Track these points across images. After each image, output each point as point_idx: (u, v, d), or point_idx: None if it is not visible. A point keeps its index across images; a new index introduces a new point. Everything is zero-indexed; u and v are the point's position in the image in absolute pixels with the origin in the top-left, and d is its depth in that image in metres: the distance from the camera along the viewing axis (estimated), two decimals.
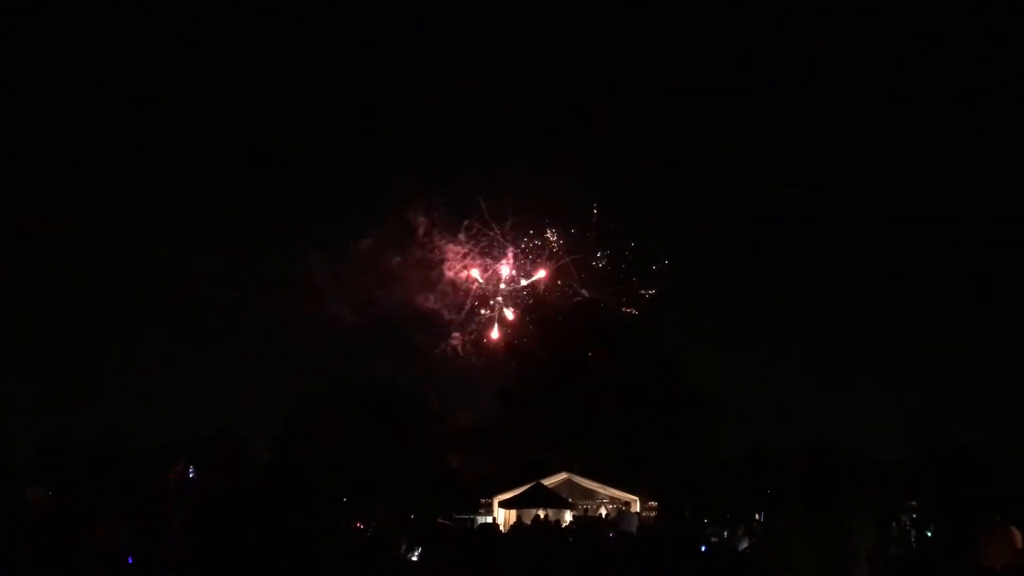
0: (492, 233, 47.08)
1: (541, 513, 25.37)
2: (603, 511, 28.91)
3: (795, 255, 67.62)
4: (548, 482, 29.87)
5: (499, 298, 48.38)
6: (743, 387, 67.58)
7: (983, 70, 63.46)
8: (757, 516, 25.81)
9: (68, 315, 57.80)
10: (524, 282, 48.83)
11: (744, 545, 14.52)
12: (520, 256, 48.70)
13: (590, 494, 31.93)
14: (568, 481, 31.98)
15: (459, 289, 48.29)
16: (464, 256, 47.29)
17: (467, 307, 47.78)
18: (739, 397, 66.37)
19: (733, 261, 71.19)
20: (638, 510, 28.61)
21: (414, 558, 8.17)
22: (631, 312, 48.38)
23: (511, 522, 26.97)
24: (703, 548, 12.62)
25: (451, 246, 47.68)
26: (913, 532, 19.65)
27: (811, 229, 68.75)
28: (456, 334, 47.17)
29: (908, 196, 67.02)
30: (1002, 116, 60.70)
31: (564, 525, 22.96)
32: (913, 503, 34.79)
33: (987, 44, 62.39)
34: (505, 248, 47.91)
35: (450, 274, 47.42)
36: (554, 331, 45.88)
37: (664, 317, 48.90)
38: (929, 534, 19.43)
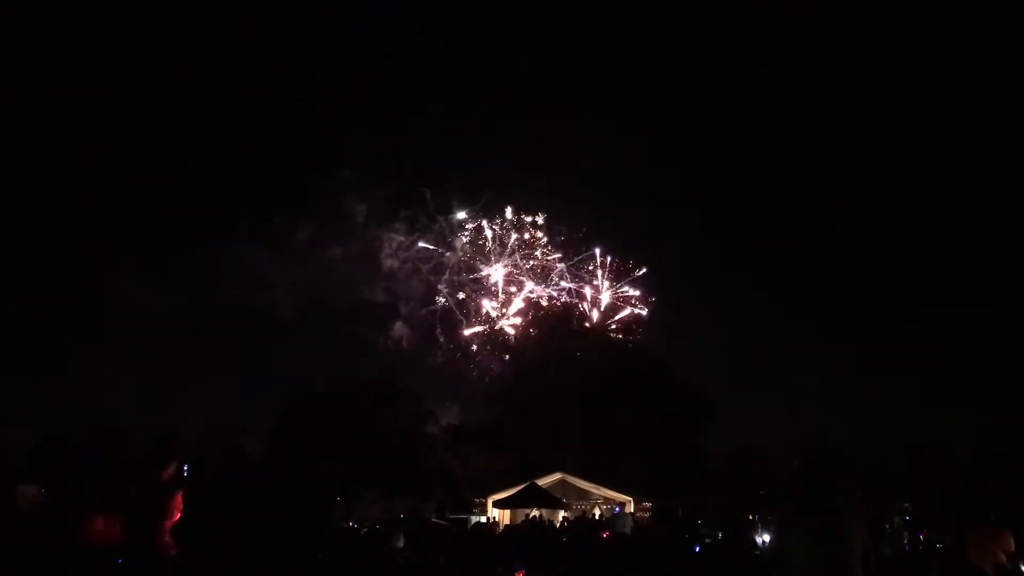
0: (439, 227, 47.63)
1: (535, 513, 25.36)
2: (597, 511, 28.94)
3: (787, 254, 67.75)
4: (542, 482, 29.86)
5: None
6: (738, 388, 67.59)
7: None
8: (751, 516, 25.84)
9: (59, 310, 57.65)
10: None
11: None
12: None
13: (584, 494, 31.95)
14: (562, 481, 32.00)
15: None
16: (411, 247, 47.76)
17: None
18: (734, 397, 66.43)
19: (726, 260, 71.33)
20: (632, 510, 28.65)
21: (406, 554, 8.18)
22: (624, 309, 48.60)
23: (505, 522, 26.99)
24: (696, 548, 12.65)
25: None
26: (906, 534, 19.71)
27: (805, 228, 68.89)
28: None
29: (901, 195, 67.27)
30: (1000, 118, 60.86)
31: (557, 525, 22.99)
32: (906, 505, 34.95)
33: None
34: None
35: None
36: (548, 332, 45.97)
37: (658, 316, 49.21)
38: (921, 536, 19.50)
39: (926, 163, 62.38)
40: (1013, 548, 8.30)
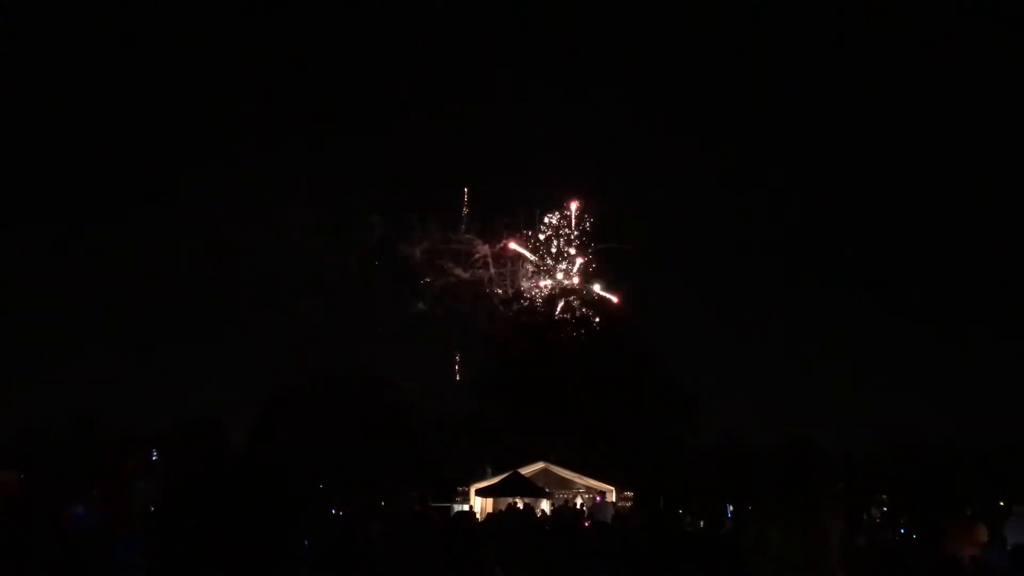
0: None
1: (520, 503, 25.41)
2: (579, 501, 29.06)
3: (771, 249, 68.21)
4: (525, 471, 29.93)
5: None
6: (718, 379, 68.16)
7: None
8: (730, 507, 26.09)
9: (47, 301, 57.15)
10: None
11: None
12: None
13: (567, 484, 32.06)
14: (545, 471, 32.07)
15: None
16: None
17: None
18: (714, 389, 67.04)
19: (710, 254, 71.67)
20: (613, 500, 28.79)
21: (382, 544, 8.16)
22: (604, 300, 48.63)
23: (487, 510, 27.03)
24: (676, 538, 12.71)
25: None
26: (883, 525, 19.94)
27: (788, 223, 69.31)
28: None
29: (882, 191, 67.77)
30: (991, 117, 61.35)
31: (538, 514, 23.06)
32: (883, 497, 35.39)
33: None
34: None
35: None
36: (532, 321, 46.00)
37: (641, 308, 49.33)
38: (899, 527, 19.74)
39: (906, 160, 62.88)
40: (986, 540, 8.45)
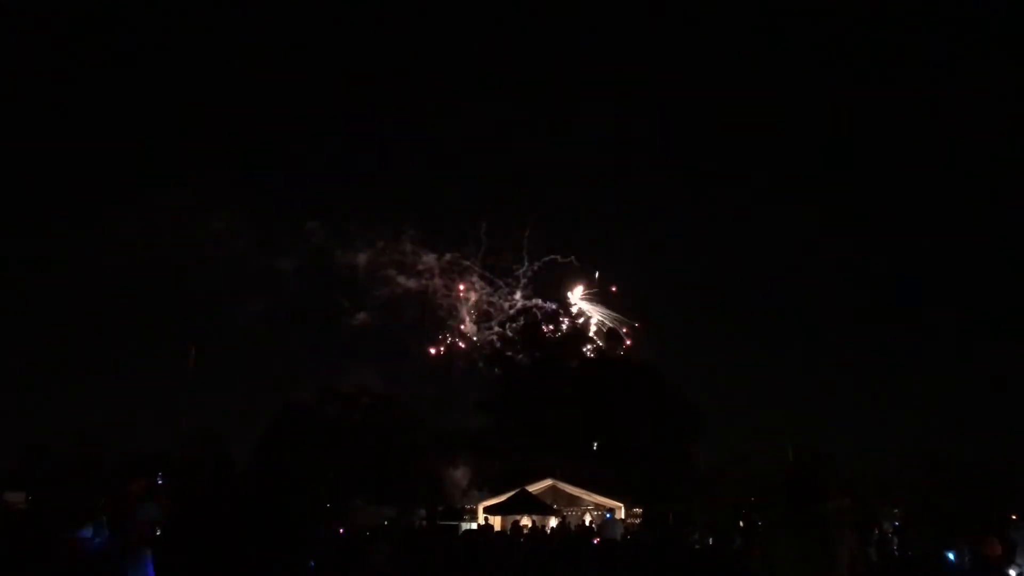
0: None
1: (527, 520, 25.27)
2: (587, 518, 28.88)
3: (779, 264, 68.10)
4: (533, 488, 29.79)
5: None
6: (728, 393, 67.82)
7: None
8: (740, 523, 25.87)
9: (51, 322, 57.39)
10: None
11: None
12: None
13: (575, 501, 31.88)
14: (553, 488, 31.92)
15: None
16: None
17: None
18: (724, 403, 66.80)
19: (718, 270, 71.62)
20: (622, 517, 28.61)
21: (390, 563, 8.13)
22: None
23: (496, 529, 26.89)
24: (685, 554, 12.65)
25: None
26: (894, 539, 19.76)
27: (797, 238, 69.30)
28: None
29: (891, 204, 67.67)
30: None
31: (547, 531, 22.93)
32: (895, 511, 35.06)
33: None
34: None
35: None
36: (538, 340, 45.98)
37: (649, 327, 49.33)
38: (911, 541, 19.55)
39: (919, 172, 62.94)
40: (1000, 553, 8.39)
